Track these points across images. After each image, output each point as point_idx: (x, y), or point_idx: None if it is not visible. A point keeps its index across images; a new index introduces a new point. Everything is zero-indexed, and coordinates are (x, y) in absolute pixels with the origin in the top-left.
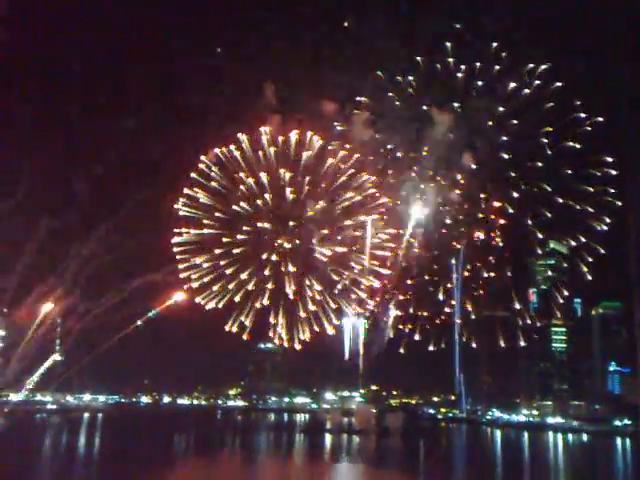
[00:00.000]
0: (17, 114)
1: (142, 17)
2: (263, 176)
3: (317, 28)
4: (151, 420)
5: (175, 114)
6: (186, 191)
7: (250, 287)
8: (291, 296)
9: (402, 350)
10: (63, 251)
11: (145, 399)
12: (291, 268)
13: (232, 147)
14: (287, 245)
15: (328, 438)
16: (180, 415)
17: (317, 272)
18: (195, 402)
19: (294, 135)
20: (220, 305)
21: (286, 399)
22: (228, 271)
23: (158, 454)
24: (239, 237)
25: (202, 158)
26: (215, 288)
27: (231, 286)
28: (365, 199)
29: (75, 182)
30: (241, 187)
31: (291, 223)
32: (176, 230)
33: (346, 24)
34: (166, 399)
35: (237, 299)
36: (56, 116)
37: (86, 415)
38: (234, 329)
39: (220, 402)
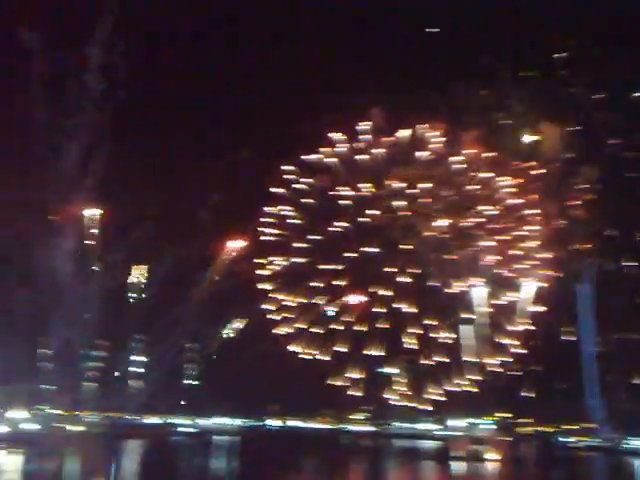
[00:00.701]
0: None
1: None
2: (366, 187)
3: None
4: (280, 443)
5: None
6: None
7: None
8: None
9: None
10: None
11: (272, 422)
12: (408, 307)
13: (326, 150)
14: (403, 278)
15: (460, 466)
16: (307, 438)
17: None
18: (321, 426)
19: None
20: (326, 357)
21: (411, 424)
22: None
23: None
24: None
25: (285, 168)
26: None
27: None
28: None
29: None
30: (339, 201)
31: (404, 246)
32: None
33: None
34: (292, 422)
35: (344, 348)
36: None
37: (217, 438)
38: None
39: (345, 426)
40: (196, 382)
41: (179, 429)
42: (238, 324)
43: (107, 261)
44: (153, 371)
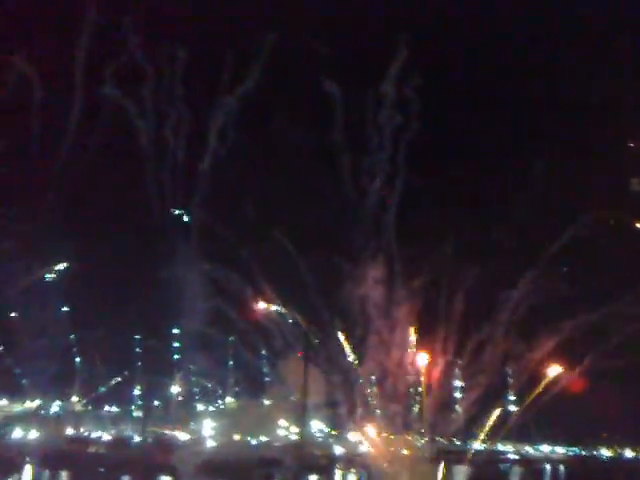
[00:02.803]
0: None
1: None
2: None
3: None
4: (612, 475)
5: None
6: None
7: None
8: None
9: None
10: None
11: (605, 452)
12: None
13: None
14: None
15: None
16: None
17: None
18: None
19: None
20: None
21: None
22: None
23: None
24: None
25: None
26: None
27: None
28: None
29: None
30: None
31: None
32: None
33: None
34: (629, 453)
35: None
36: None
37: (547, 466)
38: None
39: None
40: (515, 407)
41: (504, 456)
42: None
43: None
44: (472, 395)
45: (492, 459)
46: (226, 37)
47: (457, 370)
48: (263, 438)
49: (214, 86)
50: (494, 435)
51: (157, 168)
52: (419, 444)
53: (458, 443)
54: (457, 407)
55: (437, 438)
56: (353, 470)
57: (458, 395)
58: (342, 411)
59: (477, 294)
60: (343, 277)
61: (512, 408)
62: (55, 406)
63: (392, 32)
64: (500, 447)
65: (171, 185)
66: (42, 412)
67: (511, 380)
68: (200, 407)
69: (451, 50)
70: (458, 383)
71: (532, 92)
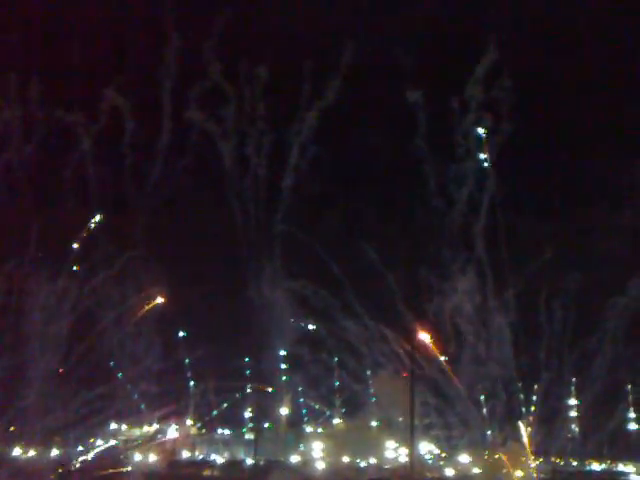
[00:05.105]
0: None
1: None
2: None
3: None
4: None
5: None
6: None
7: None
8: None
9: None
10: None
11: None
12: None
13: None
14: None
15: None
16: None
17: None
18: None
19: None
20: None
21: None
22: None
23: None
24: None
25: None
26: None
27: None
28: None
29: None
30: None
31: None
32: None
33: None
34: None
35: None
36: None
37: None
38: None
39: None
40: (636, 425)
41: (625, 477)
42: None
43: None
44: (586, 412)
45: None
46: (304, 52)
47: (567, 386)
48: (372, 460)
49: (294, 102)
50: (613, 454)
51: (240, 186)
52: (533, 465)
53: (574, 464)
54: (572, 426)
55: (552, 459)
56: None
57: (573, 414)
58: (452, 432)
59: (580, 302)
60: (432, 290)
61: (633, 426)
62: (172, 430)
63: (476, 35)
64: (621, 467)
65: (254, 202)
66: (159, 436)
67: (630, 394)
68: (308, 429)
69: (537, 50)
70: (572, 401)
71: (631, 87)
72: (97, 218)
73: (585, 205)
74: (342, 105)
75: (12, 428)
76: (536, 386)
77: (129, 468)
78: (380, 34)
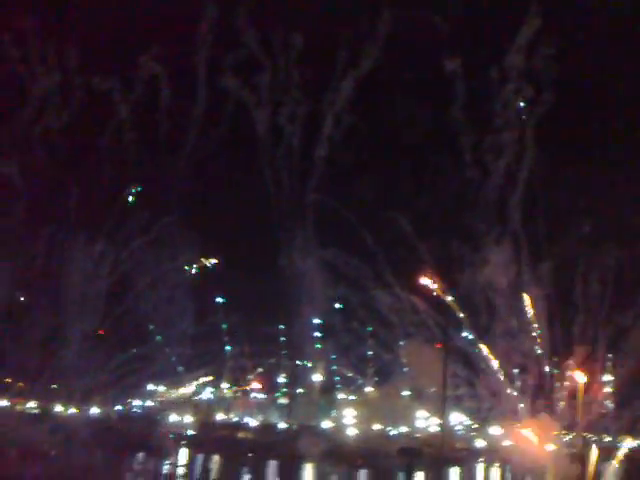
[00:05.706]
0: None
1: None
2: None
3: None
4: None
5: None
6: None
7: None
8: None
9: None
10: None
11: None
12: None
13: None
14: None
15: None
16: None
17: None
18: None
19: None
20: None
21: None
22: None
23: None
24: None
25: None
26: None
27: None
28: None
29: None
30: None
31: None
32: None
33: None
34: None
35: None
36: None
37: None
38: None
39: None
40: None
41: None
42: None
43: None
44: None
45: None
46: (340, 20)
47: (603, 362)
48: (403, 428)
49: (329, 70)
50: None
51: (274, 155)
52: (566, 439)
53: (608, 439)
54: (607, 402)
55: (585, 434)
56: (497, 464)
57: (608, 389)
58: (484, 404)
59: (617, 277)
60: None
61: None
62: (208, 393)
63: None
64: None
65: (287, 172)
66: (196, 398)
67: None
68: (341, 395)
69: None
70: (607, 377)
71: None
72: (134, 187)
73: (625, 179)
74: (377, 74)
75: (54, 386)
76: (570, 361)
77: None
78: (418, 0)
